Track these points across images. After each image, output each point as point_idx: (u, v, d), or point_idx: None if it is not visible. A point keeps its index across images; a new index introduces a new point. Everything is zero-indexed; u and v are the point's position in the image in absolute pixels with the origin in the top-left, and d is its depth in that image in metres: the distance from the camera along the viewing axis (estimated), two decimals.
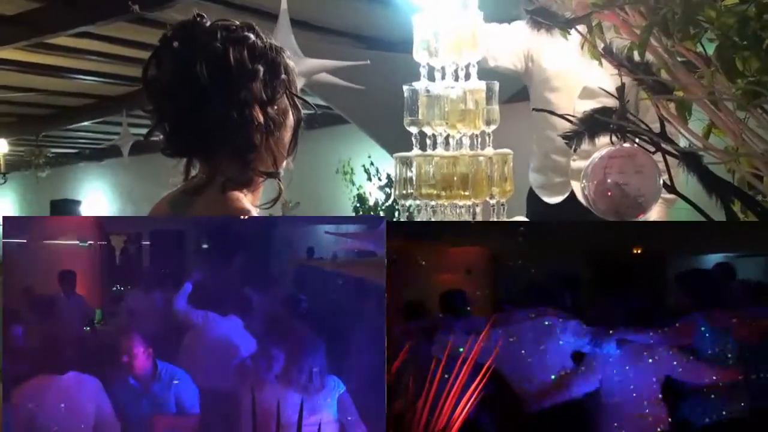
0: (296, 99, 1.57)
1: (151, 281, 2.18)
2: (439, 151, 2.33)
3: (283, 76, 1.52)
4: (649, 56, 1.71)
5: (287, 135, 1.56)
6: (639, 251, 2.34)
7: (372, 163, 8.03)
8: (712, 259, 2.32)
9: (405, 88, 2.34)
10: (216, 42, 1.44)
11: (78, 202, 13.05)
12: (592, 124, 1.75)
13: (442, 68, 2.31)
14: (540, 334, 1.90)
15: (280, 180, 1.55)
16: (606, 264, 2.33)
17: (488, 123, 2.30)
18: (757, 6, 1.46)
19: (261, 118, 1.46)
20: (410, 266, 2.27)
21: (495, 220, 2.32)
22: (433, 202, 2.34)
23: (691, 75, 1.67)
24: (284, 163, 1.57)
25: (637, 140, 1.82)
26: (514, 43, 3.16)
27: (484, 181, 2.28)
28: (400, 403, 1.63)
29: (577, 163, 3.07)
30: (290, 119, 1.56)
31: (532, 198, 3.37)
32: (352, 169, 8.68)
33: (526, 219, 2.41)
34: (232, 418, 1.62)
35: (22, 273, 1.86)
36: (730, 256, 2.33)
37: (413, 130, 2.34)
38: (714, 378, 1.82)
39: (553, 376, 1.88)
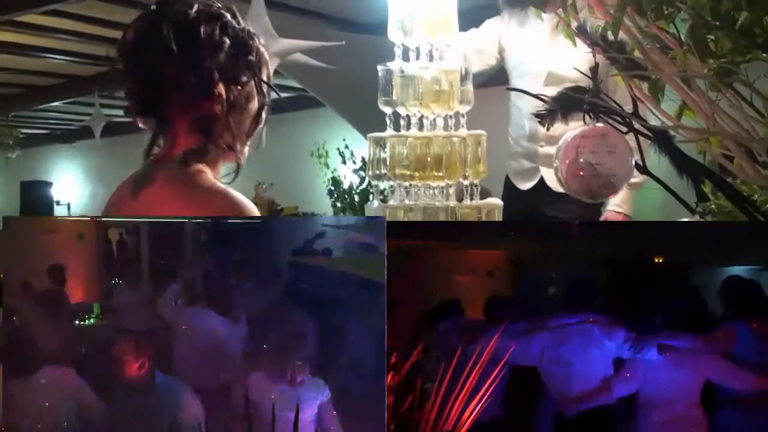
0: (263, 85, 1.59)
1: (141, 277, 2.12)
2: (413, 131, 2.32)
3: (251, 57, 1.54)
4: (623, 36, 1.71)
5: (248, 118, 1.58)
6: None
7: (347, 146, 7.99)
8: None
9: (379, 67, 2.33)
10: (190, 11, 1.48)
11: (49, 184, 12.86)
12: (566, 102, 1.75)
13: (417, 48, 2.30)
14: (580, 339, 1.91)
15: (238, 156, 1.56)
16: (650, 269, 2.28)
17: (462, 103, 2.29)
18: None
19: (223, 93, 1.49)
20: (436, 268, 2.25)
21: (469, 201, 2.31)
22: (406, 183, 2.33)
23: (663, 55, 1.68)
24: (244, 147, 1.60)
25: (609, 120, 1.83)
26: (484, 44, 3.36)
27: (457, 162, 2.28)
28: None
29: (545, 149, 3.24)
30: (254, 104, 1.58)
31: (508, 183, 3.52)
32: (327, 152, 8.64)
33: (500, 201, 2.41)
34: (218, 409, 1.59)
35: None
36: None
37: (387, 110, 2.33)
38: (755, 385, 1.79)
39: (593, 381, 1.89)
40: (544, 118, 1.82)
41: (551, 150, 3.11)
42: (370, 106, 2.41)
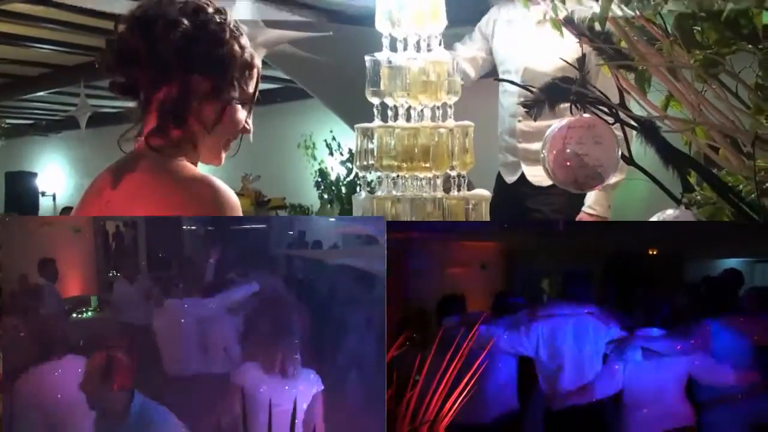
0: (237, 83, 1.56)
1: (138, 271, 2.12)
2: (401, 122, 2.32)
3: (222, 51, 1.53)
4: (610, 26, 1.71)
5: (212, 111, 1.55)
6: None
7: (334, 138, 7.96)
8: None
9: (367, 58, 2.32)
10: (177, 2, 1.51)
11: (34, 175, 12.76)
12: (553, 92, 1.75)
13: (405, 39, 2.30)
14: (576, 332, 1.91)
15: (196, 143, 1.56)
16: (644, 265, 2.28)
17: (449, 94, 2.29)
18: None
19: (187, 80, 1.50)
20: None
21: (456, 192, 2.32)
22: (394, 174, 2.33)
23: (650, 45, 1.68)
24: (219, 148, 1.60)
25: (595, 111, 1.83)
26: (471, 51, 3.52)
27: (444, 153, 2.28)
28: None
29: (523, 145, 3.39)
30: (225, 100, 1.56)
31: (498, 175, 3.62)
32: (314, 144, 8.59)
33: (487, 192, 2.42)
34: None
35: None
36: None
37: (375, 101, 2.33)
38: (738, 380, 1.79)
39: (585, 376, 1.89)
40: (531, 108, 1.82)
41: (528, 146, 3.32)
42: (357, 97, 2.40)
